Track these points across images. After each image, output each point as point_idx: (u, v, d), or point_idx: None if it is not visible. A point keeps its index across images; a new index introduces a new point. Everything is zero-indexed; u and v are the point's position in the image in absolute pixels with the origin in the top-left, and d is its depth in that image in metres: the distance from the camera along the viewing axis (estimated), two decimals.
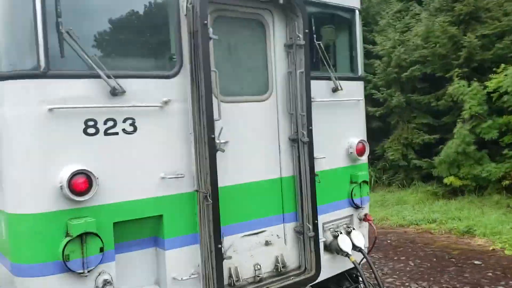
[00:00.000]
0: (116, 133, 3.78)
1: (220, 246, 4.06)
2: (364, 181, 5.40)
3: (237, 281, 4.37)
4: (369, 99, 14.52)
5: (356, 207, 5.35)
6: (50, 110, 3.49)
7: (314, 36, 4.84)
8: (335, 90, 5.07)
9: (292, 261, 4.82)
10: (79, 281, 3.57)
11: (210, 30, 4.01)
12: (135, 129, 3.87)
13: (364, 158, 5.45)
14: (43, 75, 3.48)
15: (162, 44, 4.16)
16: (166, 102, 3.99)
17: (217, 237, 4.07)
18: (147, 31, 4.11)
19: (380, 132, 15.71)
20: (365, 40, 13.73)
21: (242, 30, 4.65)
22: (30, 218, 3.46)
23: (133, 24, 4.06)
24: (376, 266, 7.73)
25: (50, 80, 3.51)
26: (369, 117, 10.62)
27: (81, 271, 3.51)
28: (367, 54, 15.20)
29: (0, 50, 3.55)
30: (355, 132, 5.36)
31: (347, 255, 4.99)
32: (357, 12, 5.40)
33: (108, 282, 3.66)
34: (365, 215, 5.47)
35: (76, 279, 3.55)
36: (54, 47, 3.53)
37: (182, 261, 4.09)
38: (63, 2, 3.53)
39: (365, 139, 5.44)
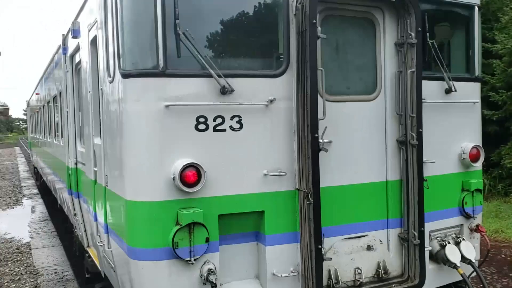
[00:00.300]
0: (224, 130, 3.95)
1: (320, 246, 4.04)
2: (477, 190, 5.01)
3: (336, 283, 4.32)
4: (486, 102, 13.37)
5: (467, 216, 4.98)
6: (167, 106, 3.75)
7: (427, 34, 4.60)
8: (448, 91, 4.76)
9: (394, 268, 4.64)
10: (186, 268, 3.79)
11: (319, 29, 4.00)
12: (241, 127, 4.00)
13: (478, 165, 5.05)
14: (162, 74, 3.74)
15: (270, 44, 4.24)
16: (271, 101, 4.07)
17: (318, 238, 4.05)
18: (257, 32, 4.22)
19: (497, 137, 14.40)
20: (484, 38, 12.68)
21: (351, 29, 4.56)
22: (147, 206, 3.76)
23: (243, 25, 4.19)
24: (487, 281, 7.13)
25: (168, 79, 3.77)
26: (485, 121, 9.82)
27: (188, 258, 3.73)
28: (485, 53, 13.99)
29: (123, 51, 3.89)
30: (469, 136, 4.98)
31: (455, 266, 4.67)
32: (476, 8, 5.01)
33: (212, 272, 3.83)
34: (477, 225, 5.07)
35: (183, 266, 3.78)
36: (172, 47, 3.78)
37: (282, 258, 4.14)
38: (180, 6, 3.76)
39: (480, 145, 5.04)
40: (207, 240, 3.78)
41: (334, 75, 4.41)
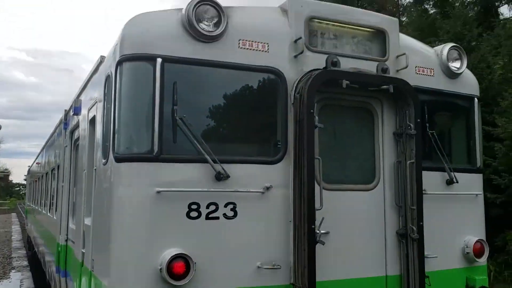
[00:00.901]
0: (217, 218, 3.80)
1: None
2: (483, 287, 4.73)
3: None
4: (489, 185, 13.22)
5: None
6: (158, 192, 3.63)
7: (427, 125, 4.58)
8: (449, 182, 4.66)
9: None
10: None
11: (316, 118, 3.99)
12: (235, 214, 3.86)
13: (483, 260, 4.81)
14: (156, 159, 3.67)
15: (268, 131, 4.21)
16: (268, 188, 3.96)
17: None
18: (254, 119, 4.21)
19: (501, 221, 14.08)
20: (484, 122, 12.81)
21: (349, 118, 4.56)
22: None
23: (241, 112, 4.19)
24: None
25: (161, 164, 3.69)
26: (488, 204, 9.59)
27: None
28: (487, 136, 14.06)
29: (119, 134, 3.85)
30: (472, 229, 4.80)
31: None
32: (475, 100, 5.04)
33: None
34: None
35: None
36: (167, 132, 3.74)
37: None
38: (179, 92, 3.77)
39: (484, 238, 4.84)
40: None
41: (332, 164, 4.34)
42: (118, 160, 3.74)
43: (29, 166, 24.00)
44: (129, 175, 3.72)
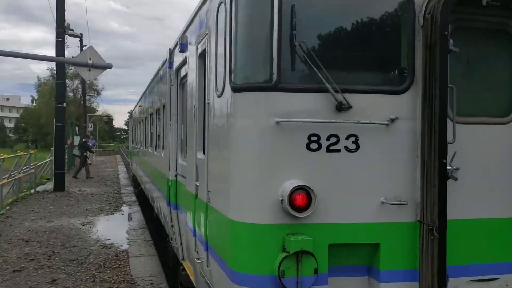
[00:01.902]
0: (338, 150, 3.61)
1: None
2: None
3: None
4: None
5: None
6: (278, 123, 3.50)
7: None
8: None
9: None
10: None
11: (451, 41, 3.54)
12: (357, 147, 3.64)
13: None
14: (274, 88, 3.51)
15: (393, 58, 3.84)
16: (392, 120, 3.66)
17: (441, 278, 3.53)
18: (377, 44, 3.85)
19: None
20: None
21: (485, 42, 4.02)
22: (252, 228, 3.51)
23: (363, 37, 3.84)
24: None
25: (280, 94, 3.53)
26: None
27: None
28: None
29: (235, 64, 3.72)
30: None
31: None
32: None
33: None
34: None
35: None
36: (286, 60, 3.54)
37: None
38: (297, 16, 3.52)
39: None
40: (316, 271, 3.43)
41: (464, 94, 3.88)
42: (236, 90, 3.64)
43: (129, 111, 25.43)
44: (247, 106, 3.61)
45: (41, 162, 23.34)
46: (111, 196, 17.66)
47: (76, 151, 26.11)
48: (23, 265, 7.82)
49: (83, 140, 27.12)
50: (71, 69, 61.11)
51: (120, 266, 7.84)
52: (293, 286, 3.39)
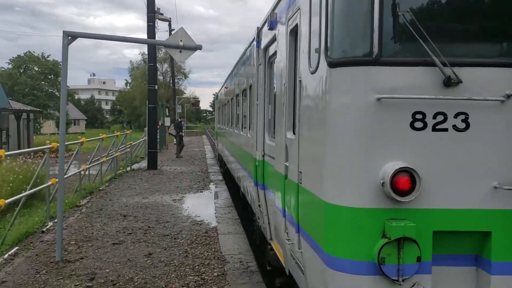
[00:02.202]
0: (445, 130, 3.29)
1: None
2: None
3: None
4: None
5: None
6: (378, 100, 3.26)
7: None
8: None
9: None
10: None
11: None
12: (467, 126, 3.29)
13: None
14: (375, 62, 3.26)
15: (509, 25, 3.40)
16: (509, 96, 3.25)
17: None
18: (489, 10, 3.43)
19: None
20: None
21: None
22: (350, 212, 3.34)
23: (475, 3, 3.45)
24: None
25: (381, 68, 3.27)
26: None
27: (396, 278, 3.20)
28: None
29: (332, 37, 3.51)
30: None
31: None
32: None
33: None
34: None
35: (388, 285, 3.26)
36: (388, 31, 3.27)
37: None
38: None
39: None
40: (419, 259, 3.19)
41: None
42: (333, 65, 3.44)
43: (214, 93, 26.10)
44: (346, 81, 3.40)
45: (135, 142, 24.79)
46: (199, 174, 18.29)
47: (172, 131, 27.43)
48: (121, 239, 8.32)
49: (179, 120, 28.56)
50: (160, 53, 63.83)
51: (210, 242, 8.06)
52: (394, 274, 3.19)
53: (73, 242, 8.12)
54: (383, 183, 3.22)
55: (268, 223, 7.05)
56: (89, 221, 9.79)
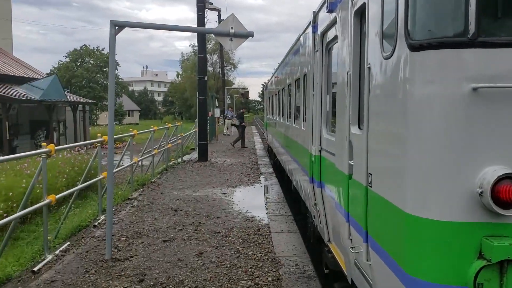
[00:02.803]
0: None
1: None
2: None
3: None
4: None
5: None
6: (475, 90, 2.65)
7: None
8: None
9: None
10: None
11: None
12: None
13: None
14: (470, 43, 2.64)
15: None
16: None
17: None
18: None
19: None
20: None
21: None
22: (437, 226, 2.76)
23: None
24: None
25: (478, 50, 2.65)
26: None
27: None
28: None
29: (413, 14, 2.91)
30: None
31: None
32: None
33: None
34: None
35: None
36: (488, 4, 2.64)
37: None
38: None
39: None
40: None
41: None
42: (415, 48, 2.85)
43: (263, 83, 25.80)
44: (432, 67, 2.80)
45: (186, 133, 24.83)
46: (249, 167, 17.95)
47: (235, 121, 27.82)
48: (172, 235, 8.07)
49: (241, 111, 28.82)
50: (210, 44, 64.00)
51: (263, 242, 7.63)
52: None
53: (124, 238, 7.95)
54: (481, 192, 2.61)
55: (326, 224, 6.53)
56: (140, 216, 9.64)
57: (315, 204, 7.06)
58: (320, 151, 6.62)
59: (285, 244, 7.57)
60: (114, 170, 11.48)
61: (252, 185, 13.65)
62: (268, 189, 12.92)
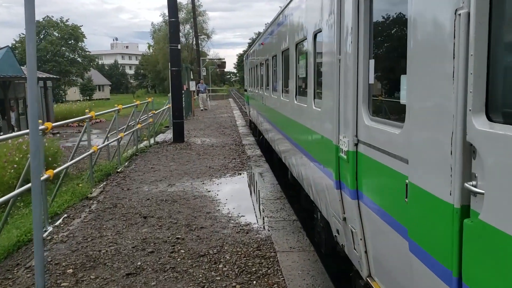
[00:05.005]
0: None
1: None
2: None
3: None
4: None
5: None
6: None
7: None
8: None
9: None
10: None
11: None
12: None
13: None
14: None
15: None
16: None
17: None
18: None
19: None
20: None
21: None
22: None
23: None
24: None
25: None
26: None
27: None
28: None
29: None
30: None
31: None
32: None
33: None
34: None
35: None
36: None
37: None
38: None
39: None
40: None
41: None
42: None
43: (238, 54, 23.36)
44: None
45: (159, 109, 22.26)
46: (233, 148, 15.66)
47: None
48: (139, 263, 5.77)
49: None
50: (182, 14, 60.35)
51: (268, 272, 5.41)
52: None
53: (70, 269, 5.62)
54: None
55: (365, 252, 4.39)
56: (98, 227, 7.29)
57: (344, 218, 4.89)
58: (356, 145, 4.39)
59: (301, 275, 5.34)
60: (68, 164, 9.04)
61: (240, 174, 11.38)
62: (259, 180, 10.68)
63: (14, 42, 63.18)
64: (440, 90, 2.59)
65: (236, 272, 5.40)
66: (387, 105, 4.01)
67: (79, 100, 63.24)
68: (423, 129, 2.87)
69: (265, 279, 5.18)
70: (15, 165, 12.00)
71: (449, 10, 2.46)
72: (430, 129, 2.77)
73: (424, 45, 2.83)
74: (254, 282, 5.13)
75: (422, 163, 2.89)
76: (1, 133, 21.92)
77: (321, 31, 5.61)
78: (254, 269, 5.47)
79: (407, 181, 3.11)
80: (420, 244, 2.97)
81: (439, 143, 2.62)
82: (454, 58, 2.40)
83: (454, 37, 2.39)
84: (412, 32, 2.99)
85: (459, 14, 2.34)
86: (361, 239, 4.39)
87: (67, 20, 63.81)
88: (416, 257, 3.03)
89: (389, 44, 4.09)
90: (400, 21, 3.56)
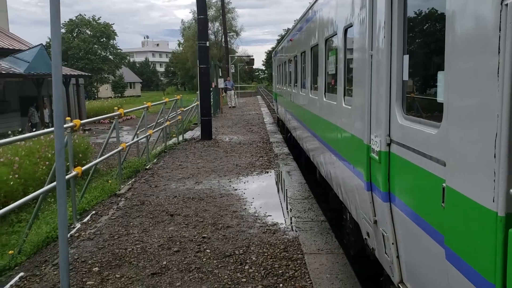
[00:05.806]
0: None
1: None
2: None
3: None
4: None
5: None
6: None
7: None
8: None
9: None
10: None
11: None
12: None
13: None
14: None
15: None
16: None
17: None
18: None
19: None
20: None
21: None
22: None
23: None
24: None
25: None
26: None
27: None
28: None
29: None
30: None
31: None
32: None
33: None
34: None
35: None
36: None
37: None
38: None
39: None
40: None
41: None
42: None
43: (267, 51, 23.18)
44: None
45: (188, 107, 22.35)
46: (260, 146, 15.54)
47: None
48: (164, 263, 5.71)
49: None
50: (211, 11, 60.53)
51: (295, 274, 5.26)
52: None
53: (96, 267, 5.63)
54: None
55: (397, 257, 4.19)
56: (125, 224, 7.30)
57: (375, 221, 4.68)
58: (389, 145, 4.18)
59: (329, 278, 5.18)
60: (96, 161, 9.13)
61: (267, 172, 11.24)
62: (287, 178, 10.52)
63: (48, 40, 64.91)
64: (482, 88, 2.38)
65: (262, 274, 5.27)
66: (423, 103, 3.80)
67: (111, 97, 64.52)
68: (463, 130, 2.66)
69: (292, 282, 5.03)
70: (47, 162, 12.24)
71: (494, 0, 2.25)
72: (470, 129, 2.56)
73: (464, 40, 2.62)
74: (281, 285, 4.98)
75: (461, 166, 2.69)
76: (35, 130, 22.44)
77: (352, 25, 5.40)
78: (280, 271, 5.33)
79: (444, 184, 2.91)
80: (458, 253, 2.77)
81: (480, 145, 2.41)
82: (499, 52, 2.20)
83: (500, 29, 2.19)
84: (451, 26, 2.78)
85: (506, 5, 2.14)
86: (392, 244, 4.19)
87: (99, 18, 65.05)
88: (453, 266, 2.84)
89: (424, 39, 3.87)
90: (437, 14, 3.35)
